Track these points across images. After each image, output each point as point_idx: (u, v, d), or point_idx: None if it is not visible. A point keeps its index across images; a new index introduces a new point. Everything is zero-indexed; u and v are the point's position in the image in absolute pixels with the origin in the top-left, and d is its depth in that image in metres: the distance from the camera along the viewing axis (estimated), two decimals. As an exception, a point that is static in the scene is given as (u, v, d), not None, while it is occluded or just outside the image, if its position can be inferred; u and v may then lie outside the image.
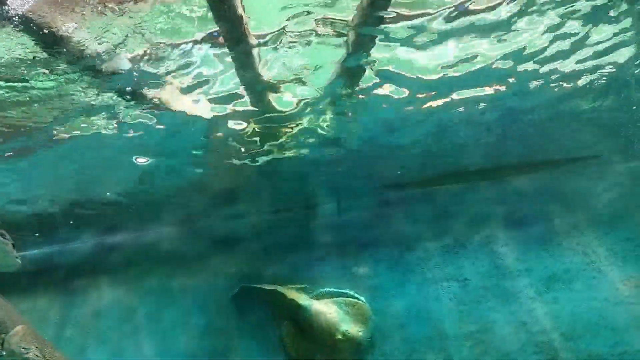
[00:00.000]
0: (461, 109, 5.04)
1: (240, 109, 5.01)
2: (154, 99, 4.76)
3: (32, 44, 3.94)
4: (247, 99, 4.88)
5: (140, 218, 5.92)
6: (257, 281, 5.56)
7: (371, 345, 5.06)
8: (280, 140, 5.40)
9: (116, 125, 4.84)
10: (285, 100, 4.93)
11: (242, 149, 5.38)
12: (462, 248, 5.32)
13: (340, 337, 5.04)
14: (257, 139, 5.16)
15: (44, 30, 3.87)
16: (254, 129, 5.21)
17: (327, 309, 5.29)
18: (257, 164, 5.51)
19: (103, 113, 4.63)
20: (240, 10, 3.71)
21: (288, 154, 5.49)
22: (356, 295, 5.34)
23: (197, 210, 5.96)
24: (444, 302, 5.12)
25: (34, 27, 3.79)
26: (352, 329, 5.11)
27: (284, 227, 5.79)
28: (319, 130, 5.20)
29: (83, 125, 4.78)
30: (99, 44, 3.97)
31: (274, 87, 4.64)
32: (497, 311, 4.95)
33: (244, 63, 4.40)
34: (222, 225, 5.92)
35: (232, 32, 3.92)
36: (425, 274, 5.30)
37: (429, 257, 5.37)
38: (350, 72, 4.52)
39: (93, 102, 4.57)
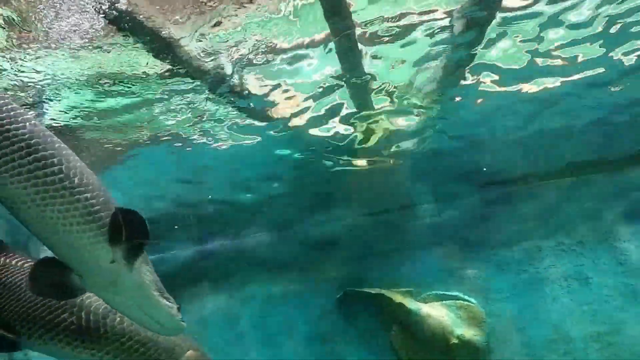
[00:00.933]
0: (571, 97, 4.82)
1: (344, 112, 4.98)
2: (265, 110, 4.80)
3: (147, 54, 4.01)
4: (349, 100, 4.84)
5: (237, 224, 5.92)
6: (358, 285, 5.44)
7: (488, 350, 4.84)
8: (378, 139, 5.30)
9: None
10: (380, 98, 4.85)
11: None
12: (578, 245, 5.03)
13: (455, 341, 4.83)
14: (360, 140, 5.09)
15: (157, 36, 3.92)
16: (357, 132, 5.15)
17: (437, 313, 5.10)
18: (352, 167, 5.43)
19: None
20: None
21: (385, 153, 5.38)
22: (466, 297, 5.14)
23: (293, 216, 5.91)
24: (565, 302, 4.84)
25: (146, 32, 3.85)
26: (466, 332, 4.90)
27: (382, 229, 5.65)
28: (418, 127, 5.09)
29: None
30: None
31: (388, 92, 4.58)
32: (625, 311, 4.64)
33: (350, 60, 4.35)
34: (317, 229, 5.83)
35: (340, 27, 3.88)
36: (540, 274, 5.03)
37: (543, 257, 5.10)
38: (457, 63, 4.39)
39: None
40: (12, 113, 3.29)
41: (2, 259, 4.02)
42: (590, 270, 4.88)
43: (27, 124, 3.31)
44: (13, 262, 3.96)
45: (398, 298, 5.22)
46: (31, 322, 3.87)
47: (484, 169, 5.70)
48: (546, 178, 5.36)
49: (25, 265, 4.06)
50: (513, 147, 5.27)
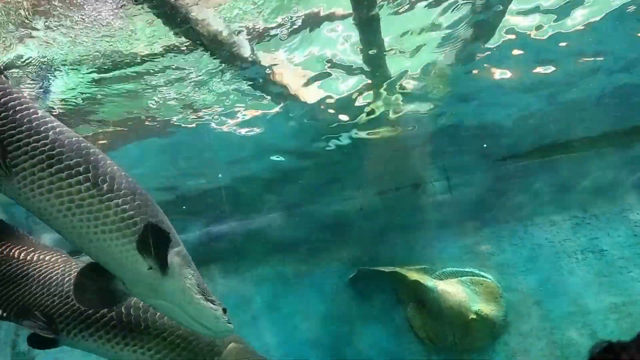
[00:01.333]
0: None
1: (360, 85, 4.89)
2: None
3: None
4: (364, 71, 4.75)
5: (246, 205, 5.82)
6: (372, 264, 5.38)
7: (506, 324, 4.84)
8: (391, 113, 5.23)
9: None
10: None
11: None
12: (593, 219, 5.05)
13: (473, 317, 4.82)
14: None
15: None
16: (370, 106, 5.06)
17: (454, 289, 5.08)
18: (364, 143, 5.36)
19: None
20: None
21: (394, 130, 5.32)
22: (482, 273, 5.13)
23: (303, 196, 5.83)
24: (581, 275, 4.86)
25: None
26: (484, 308, 4.88)
27: (393, 207, 5.60)
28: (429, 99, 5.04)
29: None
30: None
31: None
32: (641, 282, 4.69)
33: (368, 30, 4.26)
34: (327, 209, 5.75)
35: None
36: (555, 248, 5.04)
37: (557, 230, 5.10)
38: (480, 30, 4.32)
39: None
40: (34, 124, 3.22)
41: (36, 255, 3.85)
42: (605, 243, 4.90)
43: (51, 132, 3.23)
44: (47, 257, 3.90)
45: (413, 275, 5.19)
46: (71, 319, 3.82)
47: (484, 146, 5.70)
48: (559, 152, 5.36)
49: (60, 260, 3.90)
50: (527, 121, 5.26)
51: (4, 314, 3.99)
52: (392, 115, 5.38)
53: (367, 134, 5.46)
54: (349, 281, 5.33)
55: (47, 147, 3.15)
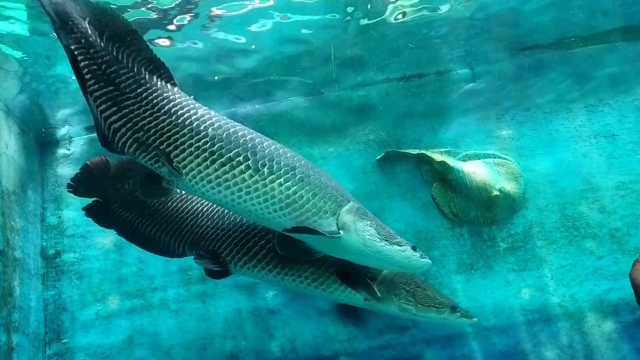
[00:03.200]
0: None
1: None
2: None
3: None
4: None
5: (270, 88, 5.79)
6: (397, 147, 5.62)
7: (525, 200, 5.31)
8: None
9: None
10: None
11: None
12: (607, 106, 5.48)
13: (496, 193, 5.24)
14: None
15: None
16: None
17: (478, 169, 5.45)
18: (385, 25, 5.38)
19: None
20: None
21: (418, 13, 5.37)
22: (503, 155, 5.51)
23: (326, 79, 5.85)
24: (594, 157, 5.34)
25: None
26: (506, 186, 5.31)
27: (417, 94, 5.78)
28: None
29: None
30: None
31: None
32: (648, 162, 5.26)
33: None
34: (352, 94, 5.84)
35: None
36: (571, 133, 5.46)
37: (574, 117, 5.51)
38: None
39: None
40: (194, 124, 3.61)
41: None
42: (616, 128, 5.37)
43: (210, 129, 3.59)
44: None
45: (439, 157, 5.49)
46: (235, 252, 4.11)
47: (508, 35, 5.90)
48: (578, 45, 5.67)
49: None
50: (549, 13, 5.47)
51: (178, 250, 4.29)
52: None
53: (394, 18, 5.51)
54: (377, 162, 5.58)
55: (208, 144, 3.43)
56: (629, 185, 5.11)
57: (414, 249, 3.64)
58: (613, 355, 4.61)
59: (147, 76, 3.53)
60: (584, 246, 5.01)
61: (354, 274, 3.89)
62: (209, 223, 4.16)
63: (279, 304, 5.13)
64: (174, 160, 3.38)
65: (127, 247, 5.36)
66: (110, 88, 3.43)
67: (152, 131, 3.44)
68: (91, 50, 3.37)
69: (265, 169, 3.40)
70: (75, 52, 3.33)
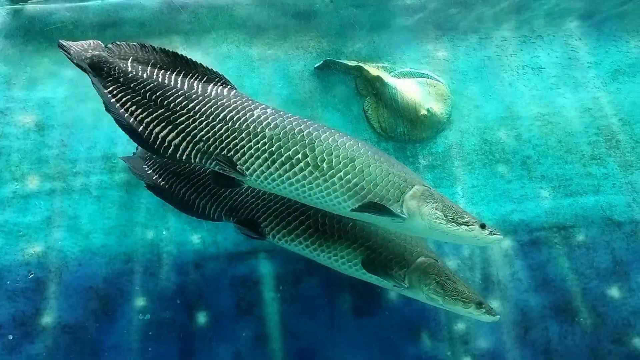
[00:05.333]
0: None
1: None
2: None
3: None
4: None
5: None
6: (336, 57, 5.63)
7: (450, 122, 5.54)
8: None
9: None
10: None
11: None
12: (538, 39, 5.68)
13: (424, 113, 5.42)
14: None
15: None
16: None
17: (410, 87, 5.58)
18: None
19: None
20: None
21: None
22: (436, 77, 5.65)
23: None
24: (519, 87, 5.59)
25: None
26: (434, 106, 5.50)
27: (362, 5, 5.72)
28: None
29: None
30: None
31: None
32: (566, 97, 5.51)
33: None
34: (297, -2, 5.71)
35: None
36: (501, 61, 5.65)
37: (507, 46, 5.68)
38: None
39: None
40: (251, 127, 3.76)
41: None
42: (543, 61, 5.60)
43: (267, 130, 3.72)
44: None
45: (375, 71, 5.56)
46: (274, 224, 4.21)
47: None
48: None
49: None
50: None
51: (214, 215, 4.46)
52: None
53: None
54: (314, 70, 5.58)
55: (267, 145, 3.62)
56: (546, 117, 5.43)
57: (483, 226, 3.71)
58: (507, 269, 5.08)
59: (200, 89, 3.86)
60: (497, 170, 5.34)
61: (381, 265, 4.04)
62: (249, 192, 4.28)
63: (203, 199, 5.23)
64: (237, 164, 3.63)
65: (50, 129, 5.23)
66: (161, 111, 3.73)
67: (211, 140, 3.71)
68: (132, 85, 3.71)
69: (324, 164, 3.55)
70: (114, 92, 3.71)
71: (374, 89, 5.51)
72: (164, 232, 5.11)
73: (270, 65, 5.56)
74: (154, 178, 4.55)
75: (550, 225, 5.10)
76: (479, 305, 4.05)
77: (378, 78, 5.45)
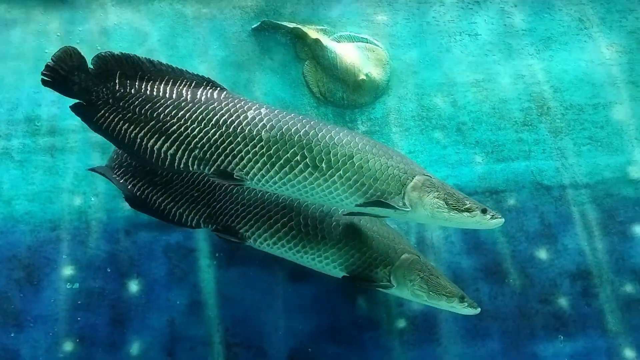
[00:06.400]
0: None
1: None
2: None
3: None
4: None
5: None
6: (274, 18, 5.47)
7: (388, 88, 5.52)
8: None
9: None
10: None
11: None
12: (476, 5, 5.69)
13: (363, 78, 5.38)
14: None
15: None
16: None
17: (349, 52, 5.50)
18: None
19: None
20: None
21: None
22: (375, 41, 5.59)
23: None
24: (455, 53, 5.60)
25: None
26: (373, 71, 5.45)
27: (301, -34, 5.57)
28: None
29: None
30: None
31: None
32: (500, 64, 5.58)
33: None
34: (233, -45, 5.48)
35: None
36: (440, 27, 5.64)
37: (445, 12, 5.66)
38: None
39: None
40: (246, 130, 3.66)
41: None
42: (480, 28, 5.64)
43: (263, 132, 3.61)
44: None
45: (314, 34, 5.45)
46: (256, 227, 4.14)
47: None
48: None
49: None
50: None
51: (191, 223, 4.39)
52: None
53: None
54: (252, 31, 5.41)
55: (264, 148, 3.55)
56: (481, 84, 5.50)
57: (484, 211, 3.79)
58: (441, 232, 5.11)
59: (189, 96, 3.81)
60: (433, 136, 5.39)
61: (363, 275, 4.16)
62: (227, 197, 4.21)
63: (135, 164, 5.03)
64: (235, 169, 3.61)
65: (-36, 89, 4.87)
66: (152, 123, 3.68)
67: (206, 146, 3.66)
68: (121, 103, 3.69)
69: (323, 164, 3.54)
70: (106, 114, 3.73)
71: (313, 52, 5.41)
72: (92, 199, 4.90)
73: (205, 25, 5.35)
74: (129, 188, 4.40)
75: (483, 190, 5.22)
76: (462, 299, 4.19)
77: (317, 41, 5.35)
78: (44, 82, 3.82)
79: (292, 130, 3.62)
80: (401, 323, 5.02)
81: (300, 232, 4.04)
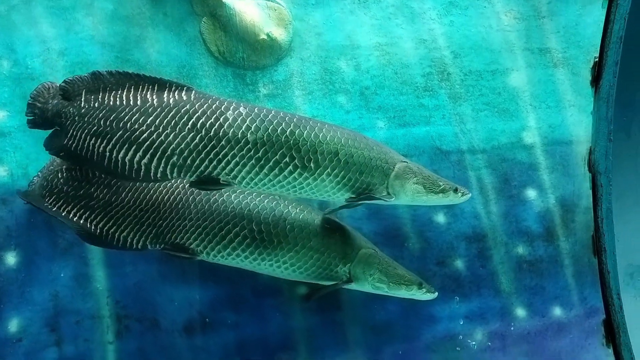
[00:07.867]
0: None
1: None
2: None
3: None
4: None
5: None
6: (168, -25, 5.11)
7: (291, 49, 5.33)
8: None
9: None
10: None
11: None
12: (380, -33, 5.60)
13: (264, 37, 5.15)
14: None
15: None
16: None
17: (249, 9, 5.24)
18: None
19: None
20: None
21: None
22: (277, 0, 5.36)
23: None
24: (359, 16, 5.46)
25: None
26: (274, 31, 5.24)
27: None
28: None
29: None
30: None
31: None
32: (403, 28, 5.54)
33: None
34: None
35: None
36: (345, -13, 5.53)
37: (352, -25, 5.55)
38: None
39: None
40: (230, 133, 3.56)
41: None
42: (384, -8, 5.60)
43: (248, 134, 3.57)
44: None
45: (211, -10, 5.15)
46: (208, 241, 3.97)
47: None
48: None
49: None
50: None
51: (137, 245, 4.09)
52: None
53: None
54: (142, -15, 5.02)
55: (252, 151, 3.48)
56: (384, 47, 5.44)
57: (456, 190, 4.16)
58: (343, 199, 5.15)
59: (155, 100, 3.63)
60: (336, 100, 5.30)
61: (322, 286, 4.36)
62: (173, 214, 4.06)
63: (11, 127, 4.59)
64: (222, 174, 3.52)
65: None
66: (119, 134, 3.53)
67: (185, 152, 3.50)
68: (86, 118, 3.61)
69: (311, 164, 3.61)
70: (74, 133, 3.64)
71: (211, 8, 5.11)
72: (-38, 165, 4.45)
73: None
74: (69, 217, 4.12)
75: (385, 155, 5.21)
76: (420, 285, 4.40)
77: (214, -3, 5.06)
78: (29, 123, 3.87)
79: (279, 130, 3.59)
80: (302, 289, 4.99)
81: (255, 240, 3.95)
